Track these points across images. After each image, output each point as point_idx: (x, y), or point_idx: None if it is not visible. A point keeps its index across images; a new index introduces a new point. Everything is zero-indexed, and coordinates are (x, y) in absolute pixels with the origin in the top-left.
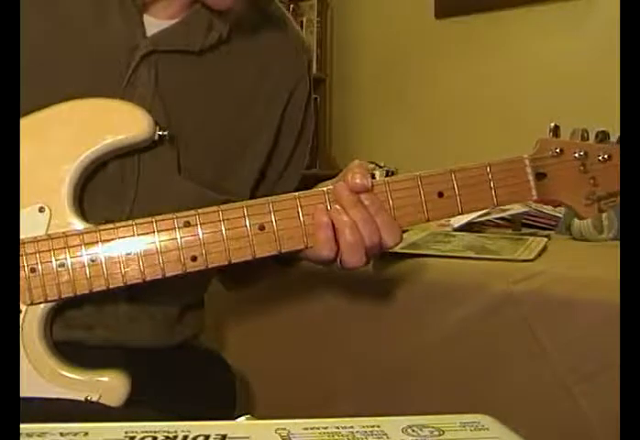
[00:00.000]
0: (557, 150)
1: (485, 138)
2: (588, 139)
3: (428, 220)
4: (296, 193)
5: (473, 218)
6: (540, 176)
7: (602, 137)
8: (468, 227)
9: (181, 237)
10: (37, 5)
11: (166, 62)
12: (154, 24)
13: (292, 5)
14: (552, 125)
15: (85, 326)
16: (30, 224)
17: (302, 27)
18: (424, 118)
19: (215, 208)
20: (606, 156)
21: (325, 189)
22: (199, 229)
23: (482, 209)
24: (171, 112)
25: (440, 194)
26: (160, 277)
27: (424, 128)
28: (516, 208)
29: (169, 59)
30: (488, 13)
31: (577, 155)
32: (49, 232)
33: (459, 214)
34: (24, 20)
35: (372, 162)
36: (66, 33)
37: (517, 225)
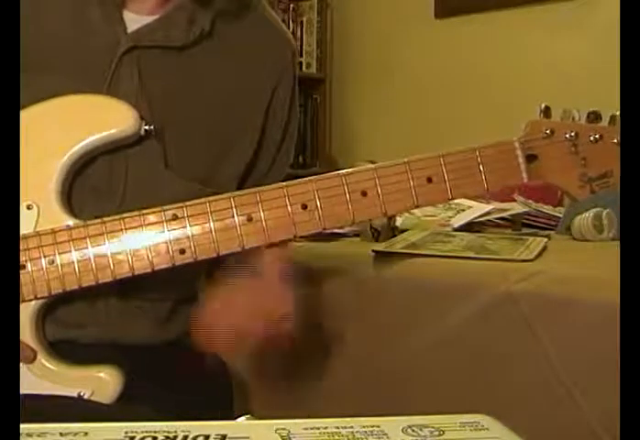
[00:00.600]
0: (548, 131)
1: (487, 139)
2: (580, 121)
3: (417, 206)
4: (283, 183)
5: (473, 218)
6: (531, 158)
7: (594, 117)
8: (468, 227)
9: (168, 230)
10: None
11: (148, 58)
12: (135, 20)
13: (292, 5)
14: (542, 106)
15: (77, 325)
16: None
17: (302, 27)
18: (423, 118)
19: (202, 200)
20: (597, 136)
21: (312, 178)
22: (187, 222)
23: (473, 194)
24: (155, 107)
25: (429, 180)
26: (148, 270)
27: (424, 128)
28: (516, 208)
29: (150, 54)
30: (488, 13)
31: (567, 136)
32: (38, 229)
33: (450, 199)
34: None
35: (372, 162)
36: (49, 32)
37: (517, 225)
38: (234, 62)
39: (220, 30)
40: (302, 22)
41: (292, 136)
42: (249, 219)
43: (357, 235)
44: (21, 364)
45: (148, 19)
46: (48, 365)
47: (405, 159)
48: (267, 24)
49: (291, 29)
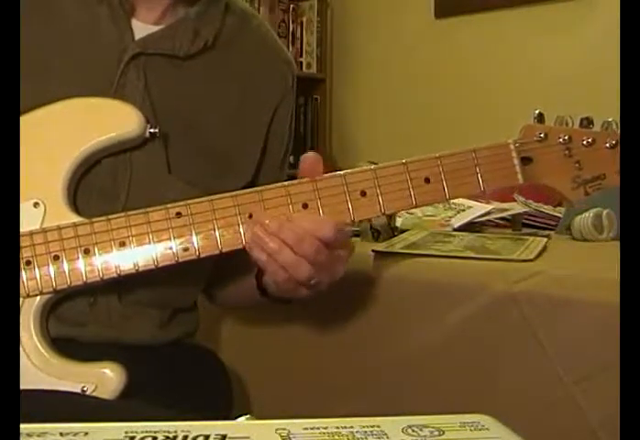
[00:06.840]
0: (542, 135)
1: (487, 138)
2: (573, 126)
3: (416, 206)
4: (285, 183)
5: (473, 218)
6: (526, 161)
7: (586, 123)
8: (468, 227)
9: (172, 228)
10: (30, 7)
11: (153, 65)
12: (142, 28)
13: (292, 5)
14: (536, 112)
15: (78, 322)
16: (25, 219)
17: (302, 27)
18: (423, 118)
19: (206, 198)
20: (590, 140)
21: (313, 178)
22: (190, 219)
23: (469, 194)
24: (159, 112)
25: (427, 180)
26: (152, 267)
27: (424, 128)
28: (516, 208)
29: (156, 61)
30: (488, 13)
31: (561, 140)
32: (44, 226)
33: (447, 199)
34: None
35: (372, 162)
36: (59, 35)
37: (517, 225)
38: (236, 79)
39: (223, 46)
40: (302, 22)
41: (289, 150)
42: (251, 217)
43: (357, 235)
44: (27, 359)
45: (155, 28)
46: (52, 360)
47: (403, 160)
48: (269, 45)
49: (291, 29)
